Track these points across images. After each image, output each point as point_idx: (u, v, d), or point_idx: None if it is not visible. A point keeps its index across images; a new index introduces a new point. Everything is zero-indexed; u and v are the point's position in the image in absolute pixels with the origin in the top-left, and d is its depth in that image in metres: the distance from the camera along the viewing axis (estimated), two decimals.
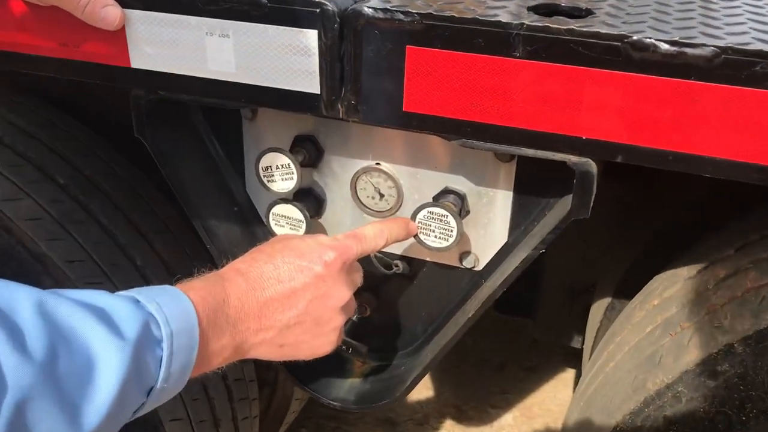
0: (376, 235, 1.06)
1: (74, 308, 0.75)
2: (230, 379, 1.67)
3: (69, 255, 1.41)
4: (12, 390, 0.66)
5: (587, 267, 2.12)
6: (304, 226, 1.20)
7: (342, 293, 1.01)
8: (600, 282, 1.93)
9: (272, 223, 1.23)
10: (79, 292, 0.80)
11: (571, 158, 0.94)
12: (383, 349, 1.35)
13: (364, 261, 1.24)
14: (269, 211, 1.22)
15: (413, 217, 1.12)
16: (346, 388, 1.31)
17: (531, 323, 2.37)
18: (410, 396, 2.73)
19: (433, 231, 1.11)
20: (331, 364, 1.35)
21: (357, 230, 1.07)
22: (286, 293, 0.95)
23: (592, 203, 0.97)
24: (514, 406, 2.71)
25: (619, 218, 1.97)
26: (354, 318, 1.27)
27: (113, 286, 1.40)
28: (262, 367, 1.85)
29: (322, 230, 1.27)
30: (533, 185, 1.10)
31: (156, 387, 0.81)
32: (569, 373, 2.87)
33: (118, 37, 1.06)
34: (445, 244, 1.11)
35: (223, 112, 1.23)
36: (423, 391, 2.74)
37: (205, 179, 1.25)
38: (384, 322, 1.33)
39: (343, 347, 1.23)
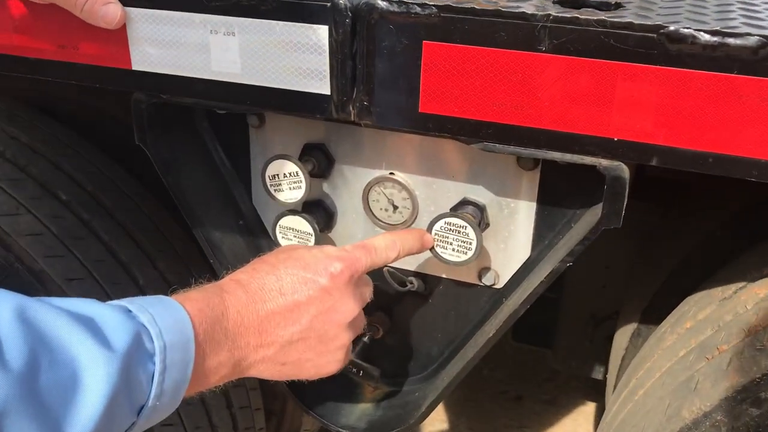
0: (387, 247, 0.99)
1: (59, 316, 0.69)
2: (235, 407, 1.60)
3: (69, 273, 1.37)
4: None
5: (609, 293, 2.04)
6: (312, 239, 1.13)
7: (349, 308, 0.94)
8: (624, 308, 1.85)
9: (279, 236, 1.16)
10: (66, 300, 0.74)
11: (602, 162, 0.87)
12: (396, 374, 1.27)
13: (376, 278, 1.17)
14: (276, 224, 1.15)
15: (429, 228, 1.04)
16: (356, 414, 1.23)
17: (550, 353, 2.28)
18: (423, 428, 2.63)
19: (451, 243, 1.03)
20: (341, 389, 1.27)
21: (367, 241, 1.00)
22: (289, 307, 0.89)
23: (624, 211, 0.90)
24: None
25: (643, 241, 1.89)
26: (365, 339, 1.20)
27: None
28: (268, 396, 1.77)
29: (331, 245, 1.20)
30: (558, 195, 1.03)
31: (147, 405, 0.75)
32: (590, 407, 2.76)
33: (119, 37, 1.01)
34: (463, 257, 1.04)
35: (229, 119, 1.17)
36: (436, 423, 2.65)
37: (210, 190, 1.19)
38: (397, 344, 1.25)
39: (354, 370, 1.15)
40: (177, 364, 0.76)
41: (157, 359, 0.74)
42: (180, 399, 0.79)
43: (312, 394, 1.24)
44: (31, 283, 1.33)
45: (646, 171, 1.98)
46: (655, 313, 1.53)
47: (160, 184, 1.23)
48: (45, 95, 1.79)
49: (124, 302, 0.78)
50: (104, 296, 1.38)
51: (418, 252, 1.05)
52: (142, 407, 0.74)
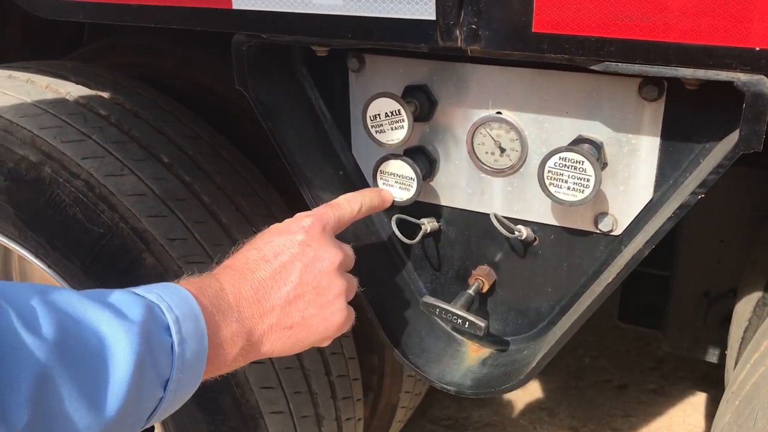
0: (348, 201, 1.06)
1: (76, 297, 0.74)
2: (334, 375, 1.58)
3: (170, 233, 1.38)
4: (28, 365, 0.65)
5: (724, 270, 1.91)
6: (415, 185, 1.08)
7: (332, 253, 0.98)
8: (744, 280, 1.72)
9: (380, 182, 1.11)
10: (77, 291, 0.79)
11: (740, 77, 0.78)
12: (503, 331, 1.20)
13: (485, 229, 1.11)
14: (377, 169, 1.11)
15: (542, 165, 0.97)
16: (461, 371, 1.17)
17: (659, 336, 2.16)
18: (523, 416, 2.55)
19: (566, 181, 0.96)
20: (445, 347, 1.22)
21: (331, 201, 1.07)
22: (277, 270, 0.94)
23: (765, 132, 0.81)
24: (638, 430, 2.47)
25: (761, 211, 1.76)
26: (470, 291, 1.13)
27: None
28: (365, 370, 1.75)
29: (433, 194, 1.15)
30: (685, 128, 0.94)
31: (172, 377, 0.78)
32: (699, 397, 2.61)
33: None
34: (580, 196, 0.96)
35: (328, 64, 1.13)
36: (536, 411, 2.57)
37: (310, 139, 1.16)
38: (504, 299, 1.18)
39: (459, 321, 1.09)
40: (192, 335, 0.80)
41: (173, 330, 0.78)
42: (202, 372, 0.82)
43: (416, 350, 1.19)
44: (135, 242, 1.35)
45: None
46: None
47: (259, 152, 1.21)
48: (148, 68, 1.84)
49: (128, 289, 0.81)
50: (206, 256, 1.39)
51: (380, 207, 1.11)
52: (167, 381, 0.78)
